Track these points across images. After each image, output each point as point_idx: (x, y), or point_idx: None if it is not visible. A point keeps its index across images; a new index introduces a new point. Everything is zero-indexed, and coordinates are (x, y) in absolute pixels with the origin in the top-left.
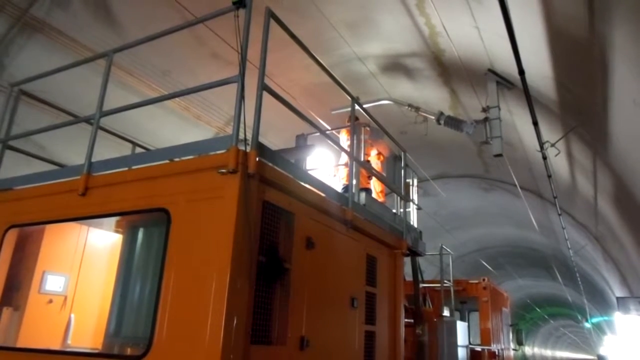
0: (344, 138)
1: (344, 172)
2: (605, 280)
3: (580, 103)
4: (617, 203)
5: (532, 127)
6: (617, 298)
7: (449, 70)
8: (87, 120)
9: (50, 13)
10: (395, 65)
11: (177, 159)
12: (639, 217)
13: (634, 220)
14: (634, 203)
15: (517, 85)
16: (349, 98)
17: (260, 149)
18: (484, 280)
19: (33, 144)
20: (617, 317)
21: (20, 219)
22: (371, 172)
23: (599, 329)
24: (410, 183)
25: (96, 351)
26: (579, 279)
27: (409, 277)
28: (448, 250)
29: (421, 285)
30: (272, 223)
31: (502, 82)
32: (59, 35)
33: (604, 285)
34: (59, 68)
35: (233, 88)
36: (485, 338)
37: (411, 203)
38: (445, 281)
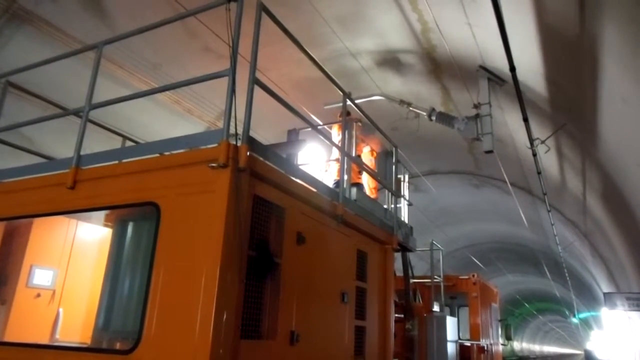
0: (335, 133)
1: (335, 167)
2: (592, 276)
3: (570, 100)
4: (606, 200)
5: (522, 124)
6: (604, 294)
7: (441, 67)
8: (76, 112)
9: (39, 4)
10: (387, 61)
11: (167, 153)
12: (626, 214)
13: (622, 217)
14: (622, 200)
15: (508, 82)
16: (341, 93)
17: (251, 143)
18: (473, 276)
19: (21, 136)
20: (604, 312)
21: (7, 212)
22: (362, 168)
23: (586, 324)
24: (402, 179)
25: (85, 345)
26: (567, 274)
27: (399, 273)
28: (438, 246)
29: (411, 280)
30: (263, 218)
31: (494, 78)
32: (47, 26)
33: (592, 281)
34: (48, 60)
35: (224, 82)
36: (475, 333)
37: (402, 199)
38: (436, 277)
